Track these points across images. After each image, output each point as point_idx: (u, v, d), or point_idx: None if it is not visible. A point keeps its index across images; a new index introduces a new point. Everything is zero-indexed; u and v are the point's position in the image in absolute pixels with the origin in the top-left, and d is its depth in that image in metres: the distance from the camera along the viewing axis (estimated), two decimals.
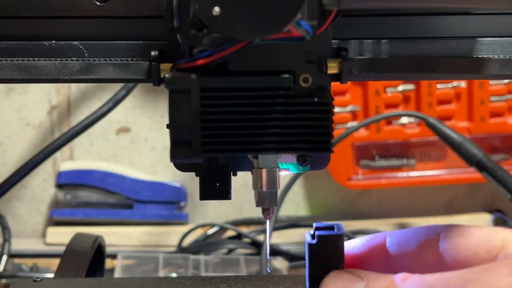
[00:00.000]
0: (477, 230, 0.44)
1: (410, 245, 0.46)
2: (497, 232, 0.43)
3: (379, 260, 0.47)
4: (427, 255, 0.45)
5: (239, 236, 1.09)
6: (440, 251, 0.44)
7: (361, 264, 0.47)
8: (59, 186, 1.14)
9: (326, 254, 0.46)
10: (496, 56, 0.50)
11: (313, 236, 0.46)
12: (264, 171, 0.47)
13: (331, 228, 0.46)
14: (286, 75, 0.44)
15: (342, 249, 0.46)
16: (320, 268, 0.46)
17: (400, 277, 0.42)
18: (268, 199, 0.48)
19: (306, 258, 0.46)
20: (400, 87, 1.09)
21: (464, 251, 0.43)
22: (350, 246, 0.48)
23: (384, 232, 0.47)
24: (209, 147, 0.44)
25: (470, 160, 0.89)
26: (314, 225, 0.47)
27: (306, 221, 1.15)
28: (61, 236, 1.09)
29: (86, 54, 0.49)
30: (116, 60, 0.49)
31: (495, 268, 0.39)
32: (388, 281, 0.42)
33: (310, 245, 0.46)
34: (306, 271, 0.46)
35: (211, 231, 1.11)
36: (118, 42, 0.50)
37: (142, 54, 0.49)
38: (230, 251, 1.06)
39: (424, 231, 0.46)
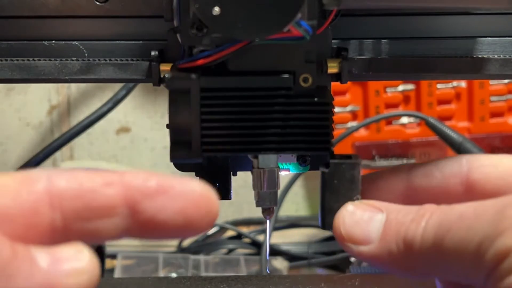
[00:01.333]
0: (508, 159, 0.41)
1: (434, 175, 0.42)
2: None
3: (399, 192, 0.43)
4: (453, 185, 0.41)
5: (239, 236, 1.09)
6: (467, 181, 0.41)
7: (380, 195, 0.43)
8: None
9: (340, 184, 0.42)
10: (496, 56, 0.50)
11: (327, 165, 0.43)
12: (264, 171, 0.47)
13: (349, 157, 0.43)
14: (286, 75, 0.44)
15: (358, 179, 0.42)
16: (334, 199, 0.42)
17: (426, 208, 0.38)
18: (268, 199, 0.48)
19: (320, 188, 0.43)
20: (400, 87, 1.09)
21: (496, 180, 0.40)
22: (367, 176, 0.44)
23: (404, 164, 0.44)
24: (209, 147, 0.44)
25: None
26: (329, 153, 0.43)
27: (306, 221, 1.15)
28: None
29: (86, 54, 0.49)
30: (116, 60, 0.49)
31: None
32: (413, 212, 0.38)
33: (323, 173, 0.43)
34: (320, 203, 0.43)
35: (211, 231, 1.11)
36: (118, 42, 0.50)
37: (142, 54, 0.49)
38: (230, 251, 1.06)
39: (450, 161, 0.42)
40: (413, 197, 0.43)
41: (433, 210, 0.37)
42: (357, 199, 0.42)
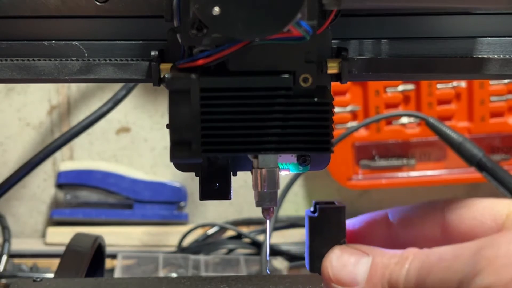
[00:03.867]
0: (480, 200, 0.43)
1: (413, 220, 0.44)
2: (501, 201, 0.43)
3: (381, 236, 0.45)
4: (430, 228, 0.44)
5: (239, 236, 1.09)
6: (443, 223, 0.43)
7: (363, 239, 0.45)
8: (59, 186, 1.14)
9: (327, 228, 0.44)
10: (496, 56, 0.50)
11: (313, 210, 0.45)
12: (264, 171, 0.47)
13: (332, 203, 0.45)
14: (286, 75, 0.44)
15: (343, 223, 0.44)
16: (322, 243, 0.44)
17: (409, 251, 0.40)
18: (268, 199, 0.48)
19: (306, 232, 0.45)
20: (400, 87, 1.09)
21: (469, 221, 0.42)
22: (351, 222, 0.46)
23: (384, 209, 0.46)
24: (209, 147, 0.44)
25: (470, 160, 0.89)
26: (314, 201, 0.46)
27: None
28: (61, 236, 1.09)
29: (86, 54, 0.49)
30: (116, 60, 0.49)
31: (508, 233, 0.38)
32: (397, 256, 0.41)
33: (310, 218, 0.44)
34: (306, 246, 0.45)
35: (211, 231, 1.11)
36: (118, 42, 0.50)
37: (142, 54, 0.49)
38: (230, 251, 1.06)
39: (427, 205, 0.44)
40: (394, 240, 0.45)
41: (416, 253, 0.40)
42: (344, 242, 0.44)
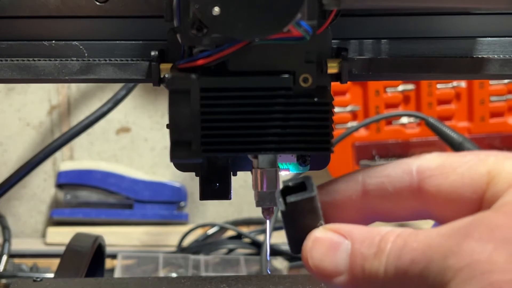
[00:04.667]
0: (459, 163, 0.41)
1: (387, 190, 0.42)
2: (481, 163, 0.40)
3: (355, 205, 0.44)
4: (406, 198, 0.42)
5: (239, 236, 1.09)
6: (420, 193, 0.41)
7: (338, 212, 0.44)
8: (59, 186, 1.14)
9: (302, 217, 0.43)
10: (496, 56, 0.50)
11: (284, 199, 0.43)
12: (264, 171, 0.47)
13: (302, 186, 0.43)
14: (286, 75, 0.44)
15: (318, 207, 0.43)
16: (299, 230, 0.43)
17: (387, 240, 0.39)
18: (268, 199, 0.48)
19: (283, 222, 0.44)
20: (400, 87, 1.09)
21: (448, 194, 0.41)
22: (323, 190, 0.44)
23: (359, 171, 0.44)
24: (209, 147, 0.44)
25: None
26: (283, 185, 0.43)
27: None
28: (61, 236, 1.09)
29: (86, 54, 0.49)
30: (116, 60, 0.49)
31: (475, 231, 0.36)
32: (375, 245, 0.40)
33: (282, 212, 0.43)
34: (286, 233, 0.44)
35: (211, 231, 1.11)
36: (118, 42, 0.50)
37: (142, 54, 0.49)
38: (230, 251, 1.06)
39: (400, 170, 0.42)
40: (370, 208, 0.43)
41: (393, 242, 0.39)
42: (321, 224, 0.43)
